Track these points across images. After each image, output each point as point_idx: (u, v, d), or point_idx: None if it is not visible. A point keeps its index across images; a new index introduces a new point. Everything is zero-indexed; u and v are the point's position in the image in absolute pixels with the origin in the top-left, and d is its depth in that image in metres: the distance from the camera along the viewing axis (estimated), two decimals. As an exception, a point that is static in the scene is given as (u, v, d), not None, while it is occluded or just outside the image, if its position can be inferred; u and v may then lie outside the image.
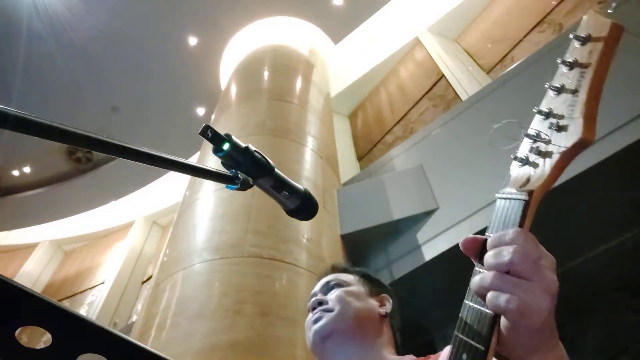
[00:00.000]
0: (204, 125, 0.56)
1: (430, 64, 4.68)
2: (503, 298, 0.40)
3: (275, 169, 0.63)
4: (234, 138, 0.59)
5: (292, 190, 0.66)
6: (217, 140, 0.58)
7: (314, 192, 0.68)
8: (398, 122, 4.70)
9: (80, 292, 6.57)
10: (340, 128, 5.08)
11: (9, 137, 5.44)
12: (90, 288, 6.50)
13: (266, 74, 4.28)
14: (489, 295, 0.41)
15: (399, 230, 2.73)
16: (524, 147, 0.49)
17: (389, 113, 4.92)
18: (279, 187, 0.64)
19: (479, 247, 0.47)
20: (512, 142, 0.51)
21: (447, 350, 0.77)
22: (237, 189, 0.59)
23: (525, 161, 0.48)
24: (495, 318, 0.42)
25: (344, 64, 5.55)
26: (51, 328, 0.32)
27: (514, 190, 0.47)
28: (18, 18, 4.92)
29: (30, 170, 6.91)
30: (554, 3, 3.87)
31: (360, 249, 2.83)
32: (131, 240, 6.72)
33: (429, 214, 2.64)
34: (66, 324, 0.32)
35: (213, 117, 4.29)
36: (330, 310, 0.91)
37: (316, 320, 0.91)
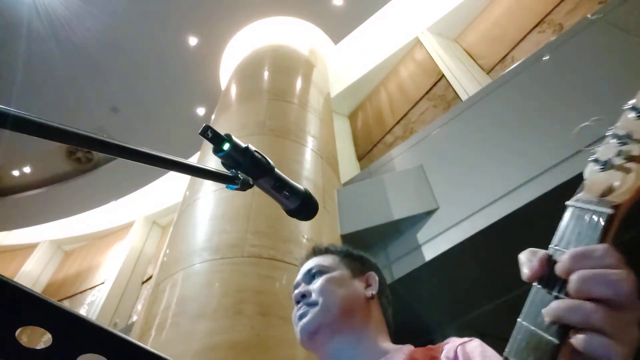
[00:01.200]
0: (204, 125, 0.56)
1: (430, 64, 4.68)
2: (613, 350, 0.32)
3: (276, 169, 0.63)
4: (234, 138, 0.59)
5: (292, 190, 0.66)
6: (217, 140, 0.58)
7: (314, 192, 0.68)
8: (398, 122, 4.70)
9: (80, 292, 6.57)
10: (340, 128, 5.08)
11: (9, 137, 5.44)
12: (90, 288, 6.50)
13: (266, 74, 4.28)
14: (591, 338, 0.33)
15: (399, 230, 2.73)
16: (608, 149, 0.41)
17: (389, 113, 4.92)
18: (279, 187, 0.64)
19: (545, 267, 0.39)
20: (597, 142, 0.42)
21: (450, 346, 0.75)
22: (237, 189, 0.59)
23: (608, 165, 0.40)
24: (559, 347, 0.36)
25: (344, 64, 5.55)
26: (51, 328, 0.32)
27: (593, 199, 0.39)
28: (18, 18, 4.92)
29: (30, 170, 6.91)
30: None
31: (360, 249, 2.83)
32: (131, 240, 6.72)
33: (429, 214, 2.64)
34: (66, 324, 0.32)
35: (213, 117, 4.29)
36: (314, 304, 0.88)
37: (301, 316, 0.88)
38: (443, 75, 4.37)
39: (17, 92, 5.36)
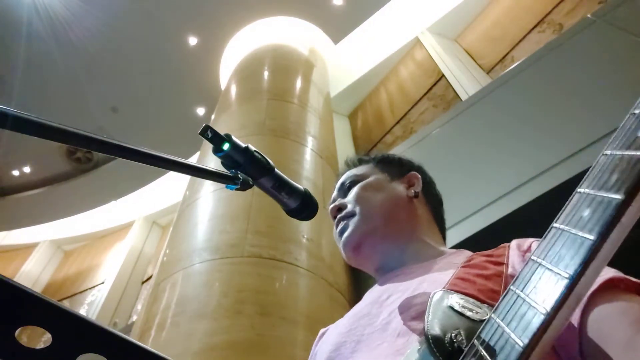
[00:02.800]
0: (204, 125, 0.56)
1: (430, 64, 4.67)
2: None
3: (275, 169, 0.63)
4: (234, 138, 0.59)
5: (292, 190, 0.66)
6: (217, 140, 0.58)
7: (314, 192, 0.68)
8: (398, 122, 4.69)
9: (80, 292, 6.57)
10: (340, 128, 5.07)
11: (9, 137, 5.43)
12: (90, 288, 6.50)
13: (266, 73, 4.28)
14: None
15: (399, 230, 2.73)
16: None
17: (389, 113, 4.92)
18: (279, 187, 0.64)
19: None
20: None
21: (524, 240, 0.64)
22: (237, 189, 0.59)
23: None
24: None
25: (344, 64, 5.55)
26: (51, 328, 0.32)
27: None
28: (18, 18, 4.91)
29: (30, 170, 6.90)
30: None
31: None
32: (131, 240, 6.72)
33: (429, 214, 2.64)
34: (66, 324, 0.32)
35: (213, 117, 4.29)
36: (352, 215, 0.80)
37: (342, 232, 0.81)
38: (443, 75, 4.37)
39: (17, 92, 5.36)
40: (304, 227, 2.48)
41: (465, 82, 4.03)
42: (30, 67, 5.27)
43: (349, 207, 0.82)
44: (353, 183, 0.86)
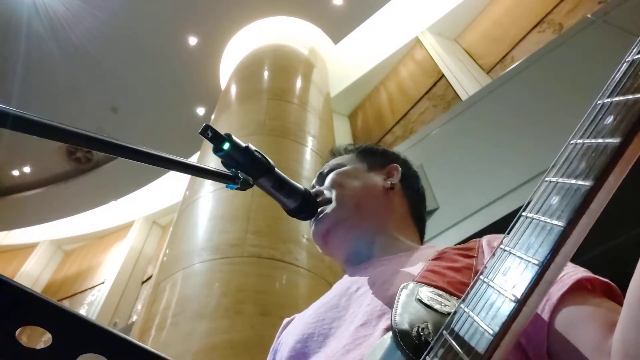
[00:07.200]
0: (204, 125, 0.56)
1: (430, 64, 4.68)
2: None
3: (275, 169, 0.63)
4: (234, 138, 0.59)
5: (292, 190, 0.66)
6: (217, 139, 0.58)
7: (314, 192, 0.68)
8: (398, 122, 4.70)
9: (80, 292, 6.57)
10: (340, 128, 5.07)
11: (9, 137, 5.43)
12: (90, 288, 6.50)
13: (266, 74, 4.27)
14: None
15: (399, 230, 2.73)
16: None
17: (389, 113, 4.92)
18: (279, 187, 0.64)
19: None
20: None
21: (496, 236, 0.63)
22: (237, 189, 0.59)
23: None
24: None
25: (344, 64, 5.55)
26: (51, 328, 0.32)
27: None
28: (18, 18, 4.91)
29: (30, 170, 6.90)
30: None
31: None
32: (131, 240, 6.72)
33: (429, 214, 2.64)
34: (66, 324, 0.32)
35: (213, 117, 4.29)
36: (328, 201, 0.79)
37: (317, 219, 0.79)
38: (443, 75, 4.37)
39: (17, 91, 5.36)
40: (304, 227, 2.48)
41: (465, 82, 4.03)
42: (30, 67, 5.27)
43: (326, 193, 0.81)
44: (331, 171, 0.85)
